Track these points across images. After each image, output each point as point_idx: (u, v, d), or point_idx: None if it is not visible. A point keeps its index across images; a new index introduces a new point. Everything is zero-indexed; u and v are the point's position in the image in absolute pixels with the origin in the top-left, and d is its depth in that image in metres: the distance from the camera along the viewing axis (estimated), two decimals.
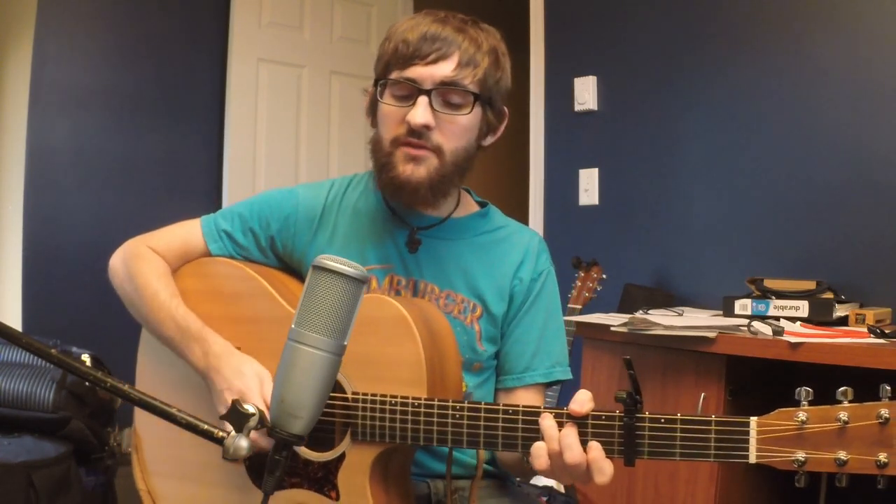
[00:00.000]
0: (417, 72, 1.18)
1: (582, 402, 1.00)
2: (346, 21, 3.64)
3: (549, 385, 1.34)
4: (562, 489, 2.15)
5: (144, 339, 1.36)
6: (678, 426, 0.95)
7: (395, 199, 1.27)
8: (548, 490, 1.65)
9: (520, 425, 1.04)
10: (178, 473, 1.28)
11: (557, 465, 1.00)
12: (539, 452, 1.00)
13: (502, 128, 1.30)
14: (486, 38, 1.23)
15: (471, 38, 1.20)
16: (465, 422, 1.06)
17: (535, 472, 1.26)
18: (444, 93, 1.19)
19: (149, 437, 1.32)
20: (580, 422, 0.99)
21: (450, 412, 1.07)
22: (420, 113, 1.17)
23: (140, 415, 1.34)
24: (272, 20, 3.46)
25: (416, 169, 1.19)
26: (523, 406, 1.05)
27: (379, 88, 1.23)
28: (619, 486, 2.11)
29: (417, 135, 1.18)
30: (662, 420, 0.96)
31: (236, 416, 0.91)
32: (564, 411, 1.01)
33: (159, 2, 3.24)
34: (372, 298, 1.18)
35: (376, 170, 1.25)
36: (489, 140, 1.29)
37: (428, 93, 1.18)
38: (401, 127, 1.19)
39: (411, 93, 1.19)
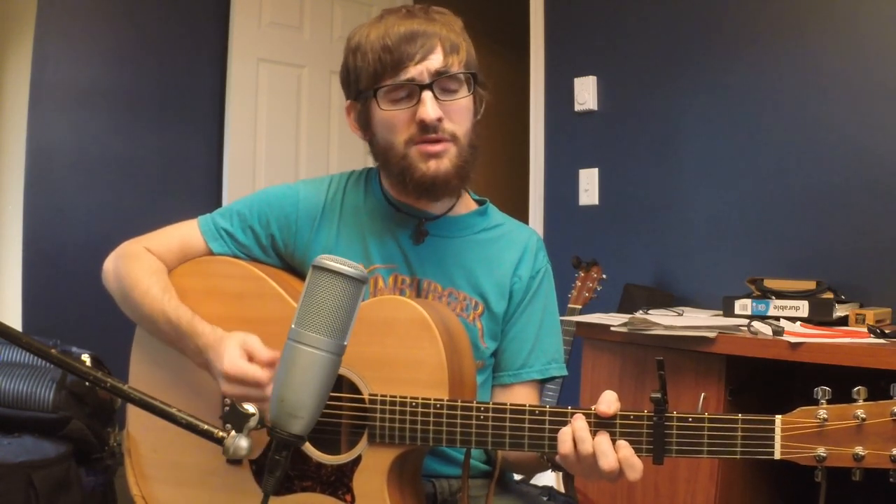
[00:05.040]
0: (412, 71, 1.18)
1: (609, 402, 1.02)
2: (346, 21, 3.64)
3: (544, 381, 1.35)
4: (562, 489, 2.14)
5: (138, 340, 1.33)
6: (706, 425, 0.98)
7: (425, 198, 1.26)
8: (547, 490, 1.64)
9: (547, 426, 1.04)
10: (175, 478, 1.26)
11: (588, 465, 1.01)
12: (564, 438, 1.01)
13: (485, 100, 1.31)
14: (454, 21, 1.25)
15: (444, 26, 1.22)
16: (491, 423, 1.07)
17: (542, 469, 1.26)
18: (442, 82, 1.20)
19: (143, 440, 1.29)
20: (609, 422, 1.01)
21: (474, 413, 1.07)
22: (430, 108, 1.18)
23: (133, 417, 1.31)
24: (272, 20, 3.46)
25: (440, 163, 1.20)
26: (550, 407, 1.05)
27: (375, 98, 1.21)
28: (619, 486, 2.11)
29: (433, 129, 1.19)
30: (690, 419, 0.99)
31: (236, 416, 0.91)
32: (592, 411, 1.02)
33: (159, 2, 3.24)
34: (389, 300, 1.18)
35: (395, 175, 1.24)
36: (480, 112, 1.30)
37: (430, 86, 1.18)
38: (410, 127, 1.20)
39: (411, 92, 1.19)
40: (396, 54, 1.18)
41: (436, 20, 1.22)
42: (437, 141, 1.20)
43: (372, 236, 1.30)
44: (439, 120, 1.19)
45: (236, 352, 1.10)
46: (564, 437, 1.02)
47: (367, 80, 1.21)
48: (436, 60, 1.19)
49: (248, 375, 1.08)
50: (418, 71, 1.18)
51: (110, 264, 1.31)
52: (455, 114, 1.21)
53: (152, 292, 1.24)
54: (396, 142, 1.21)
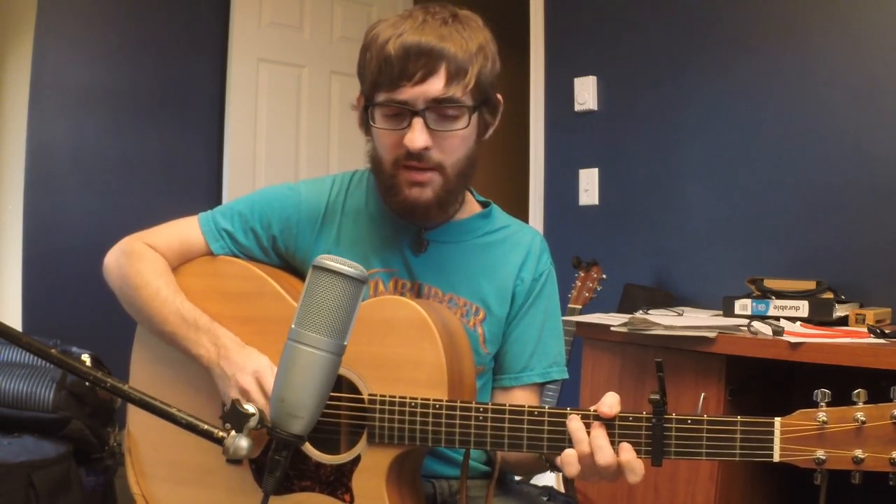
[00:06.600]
0: (407, 93, 1.13)
1: (611, 404, 1.01)
2: (346, 21, 3.64)
3: (545, 384, 1.34)
4: (562, 489, 2.14)
5: (138, 340, 1.34)
6: (704, 427, 0.98)
7: (404, 219, 1.27)
8: (547, 490, 1.64)
9: (546, 427, 1.04)
10: (175, 477, 1.26)
11: (587, 465, 1.01)
12: (570, 460, 1.01)
13: (498, 117, 1.26)
14: (472, 36, 1.16)
15: (456, 43, 1.13)
16: (490, 423, 1.06)
17: (542, 470, 1.26)
18: (439, 109, 1.15)
19: (143, 439, 1.30)
20: (608, 422, 1.01)
21: (473, 413, 1.07)
22: (417, 137, 1.14)
23: (133, 416, 1.31)
24: (272, 20, 3.46)
25: (422, 192, 1.18)
26: (549, 408, 1.05)
27: (368, 111, 1.19)
28: (619, 487, 2.11)
29: (417, 157, 1.16)
30: (689, 421, 0.98)
31: (236, 416, 0.91)
32: (592, 412, 1.02)
33: (159, 2, 3.24)
34: (389, 300, 1.17)
35: (382, 190, 1.24)
36: (488, 134, 1.26)
37: (421, 113, 1.14)
38: (399, 149, 1.17)
39: (403, 114, 1.15)
40: (396, 69, 1.12)
41: (450, 36, 1.13)
42: (423, 169, 1.17)
43: (372, 241, 1.29)
44: (426, 149, 1.15)
45: (250, 379, 1.15)
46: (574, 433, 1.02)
47: (367, 87, 1.19)
48: (435, 86, 1.13)
49: (253, 395, 1.13)
50: (413, 95, 1.13)
51: (112, 260, 1.31)
52: (446, 143, 1.17)
53: (163, 294, 1.24)
54: (386, 159, 1.20)
